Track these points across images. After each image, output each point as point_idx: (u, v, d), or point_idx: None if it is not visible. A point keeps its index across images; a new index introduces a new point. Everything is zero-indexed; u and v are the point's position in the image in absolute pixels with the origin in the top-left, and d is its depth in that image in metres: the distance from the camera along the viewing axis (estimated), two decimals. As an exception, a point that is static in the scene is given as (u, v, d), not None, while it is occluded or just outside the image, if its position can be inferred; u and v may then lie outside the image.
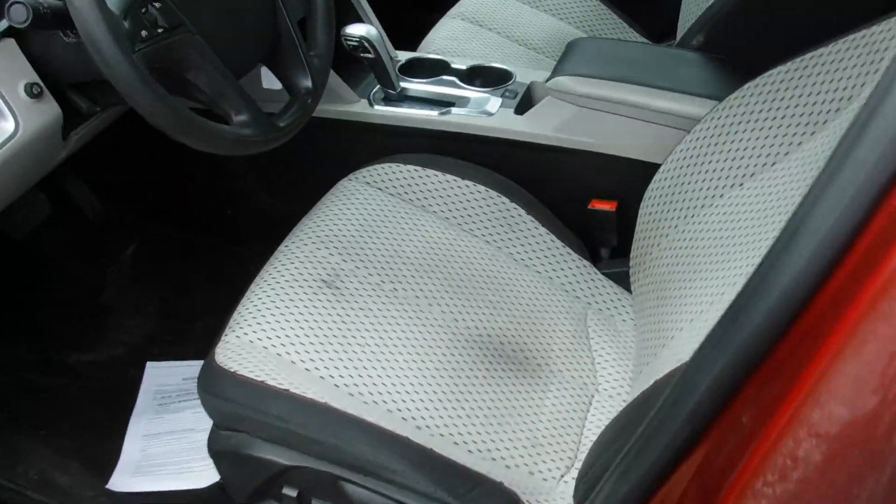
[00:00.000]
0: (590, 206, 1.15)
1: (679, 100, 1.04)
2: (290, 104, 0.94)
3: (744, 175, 0.94)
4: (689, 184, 1.00)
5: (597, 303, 1.13)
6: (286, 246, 1.07)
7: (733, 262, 0.89)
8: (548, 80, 1.10)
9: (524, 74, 1.26)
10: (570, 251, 1.14)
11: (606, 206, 1.14)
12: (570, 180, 1.17)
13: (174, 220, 1.60)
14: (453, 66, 1.28)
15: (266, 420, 0.88)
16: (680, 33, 1.52)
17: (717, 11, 1.11)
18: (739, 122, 0.95)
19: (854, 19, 1.10)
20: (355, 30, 1.14)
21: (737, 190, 0.95)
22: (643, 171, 1.11)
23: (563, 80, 1.08)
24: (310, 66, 0.95)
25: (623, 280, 1.14)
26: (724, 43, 1.12)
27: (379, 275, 1.04)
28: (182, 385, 1.30)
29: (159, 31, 0.76)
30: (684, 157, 1.01)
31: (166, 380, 1.31)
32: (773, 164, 0.91)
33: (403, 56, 1.32)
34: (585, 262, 1.15)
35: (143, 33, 0.75)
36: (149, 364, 1.35)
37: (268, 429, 0.88)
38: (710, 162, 0.98)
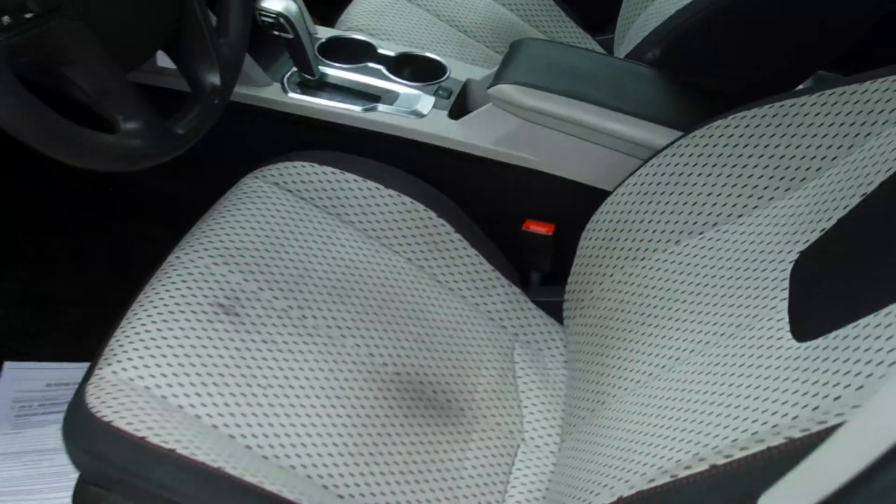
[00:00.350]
0: (524, 228, 1.04)
1: (635, 125, 0.93)
2: (192, 104, 0.77)
3: (704, 223, 0.85)
4: (640, 222, 0.91)
5: (525, 335, 1.03)
6: (177, 258, 0.91)
7: (689, 321, 0.80)
8: (490, 87, 0.97)
9: (459, 69, 1.12)
10: (500, 275, 1.03)
11: (542, 229, 1.03)
12: (505, 197, 1.05)
13: (40, 188, 1.39)
14: (380, 51, 1.13)
15: (146, 487, 0.73)
16: (619, 31, 1.42)
17: (678, 26, 1.01)
18: (704, 164, 0.85)
19: (825, 56, 1.03)
20: (272, 4, 0.97)
21: (695, 239, 0.86)
22: (586, 195, 1.01)
23: (506, 89, 0.95)
24: (219, 58, 0.78)
25: (554, 310, 1.05)
26: (683, 61, 1.02)
27: (286, 298, 0.90)
28: (46, 393, 1.13)
29: (27, 16, 0.59)
30: (638, 192, 0.91)
31: (27, 385, 1.13)
32: (740, 216, 0.83)
33: (323, 33, 1.16)
34: (515, 289, 1.04)
35: (5, 20, 0.57)
36: (6, 365, 1.16)
37: (147, 496, 0.74)
38: (668, 203, 0.88)
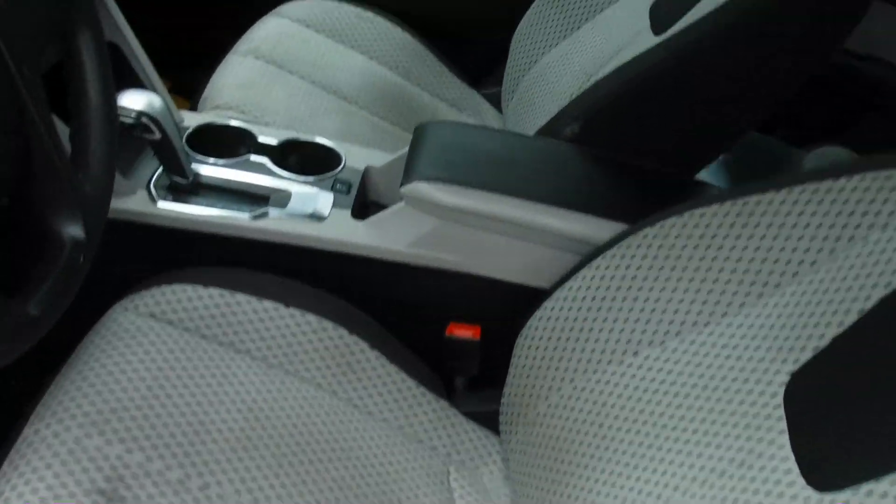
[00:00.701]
0: (448, 333, 0.91)
1: (570, 218, 0.84)
2: (46, 269, 0.58)
3: (666, 332, 0.76)
4: (589, 331, 0.80)
5: (458, 454, 0.90)
6: (35, 432, 0.72)
7: (668, 451, 0.70)
8: (402, 184, 0.84)
9: (354, 156, 0.98)
10: (425, 390, 0.90)
11: (468, 333, 0.91)
12: (424, 302, 0.92)
13: None
14: (261, 139, 0.97)
15: None
16: (506, 87, 1.33)
17: (600, 98, 0.92)
18: (661, 267, 0.76)
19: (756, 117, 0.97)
20: (132, 101, 0.80)
21: (656, 349, 0.76)
22: (515, 293, 0.90)
23: (422, 188, 0.83)
24: (79, 200, 0.60)
25: (487, 419, 0.93)
26: (607, 136, 0.93)
27: (181, 466, 0.73)
28: None
29: None
30: (583, 297, 0.81)
31: None
32: (707, 324, 0.74)
33: (190, 119, 0.99)
34: (442, 403, 0.91)
35: None
36: None
37: None
38: (620, 309, 0.78)
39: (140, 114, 0.79)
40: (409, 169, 0.85)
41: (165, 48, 1.18)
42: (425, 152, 0.87)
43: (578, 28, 1.25)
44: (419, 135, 0.90)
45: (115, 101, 0.65)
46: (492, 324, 0.92)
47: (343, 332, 0.87)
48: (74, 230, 0.59)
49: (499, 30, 1.46)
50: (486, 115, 1.38)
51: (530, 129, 1.18)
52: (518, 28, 1.33)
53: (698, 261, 0.75)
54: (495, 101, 1.40)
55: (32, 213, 0.58)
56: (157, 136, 0.82)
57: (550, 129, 0.96)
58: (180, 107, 1.07)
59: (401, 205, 0.86)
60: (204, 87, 1.17)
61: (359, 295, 0.90)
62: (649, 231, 0.77)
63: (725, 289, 0.73)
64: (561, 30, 1.26)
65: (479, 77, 1.49)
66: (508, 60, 1.32)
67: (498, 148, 0.90)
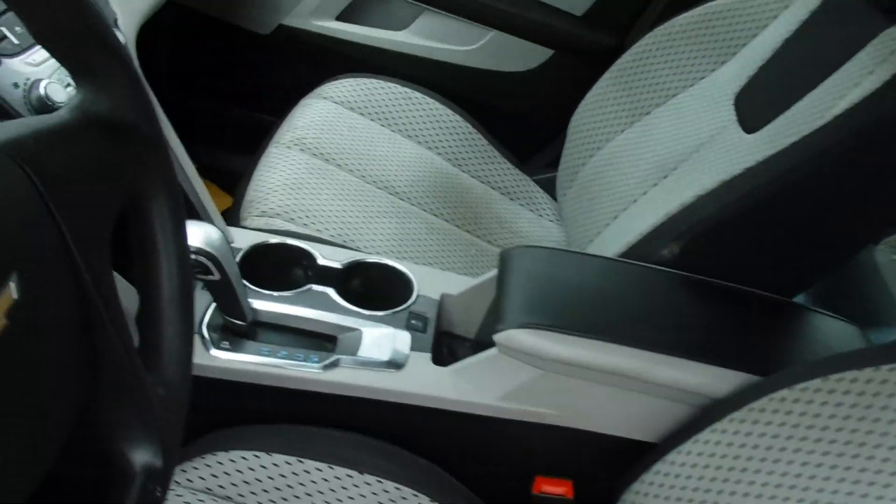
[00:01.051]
0: (536, 491, 0.84)
1: (689, 369, 0.77)
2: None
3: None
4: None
5: None
6: None
7: None
8: (497, 332, 0.77)
9: (426, 281, 0.91)
10: (512, 563, 0.83)
11: (560, 490, 0.85)
12: (511, 455, 0.86)
13: None
14: (321, 261, 0.90)
15: None
16: (563, 175, 1.26)
17: (706, 218, 0.86)
18: (803, 438, 0.70)
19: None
20: (190, 238, 0.72)
21: (802, 532, 0.69)
22: (614, 445, 0.83)
23: (519, 337, 0.76)
24: (154, 412, 0.51)
25: None
26: (711, 263, 0.87)
27: None
28: None
29: None
30: (706, 464, 0.74)
31: None
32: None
33: (240, 238, 0.91)
34: (531, 571, 0.84)
35: None
36: None
37: None
38: (753, 483, 0.72)
39: (198, 251, 0.72)
40: (502, 312, 0.78)
41: (193, 128, 1.12)
42: (517, 290, 0.80)
43: (647, 113, 1.19)
44: (506, 266, 0.83)
45: (191, 278, 0.58)
46: (584, 480, 0.85)
47: (424, 499, 0.79)
48: (147, 455, 0.49)
49: (554, 108, 1.41)
50: (539, 204, 1.31)
51: (593, 224, 1.12)
52: (578, 108, 1.26)
53: (849, 433, 0.68)
54: (548, 186, 1.33)
55: (91, 435, 0.49)
56: (217, 276, 0.74)
57: (643, 249, 0.90)
58: (220, 205, 1.00)
59: (492, 352, 0.79)
60: (246, 181, 1.10)
61: (435, 448, 0.83)
62: (787, 394, 0.71)
63: (882, 468, 0.66)
64: (628, 115, 1.20)
65: (529, 155, 1.43)
66: (566, 144, 1.26)
67: (594, 280, 0.83)
